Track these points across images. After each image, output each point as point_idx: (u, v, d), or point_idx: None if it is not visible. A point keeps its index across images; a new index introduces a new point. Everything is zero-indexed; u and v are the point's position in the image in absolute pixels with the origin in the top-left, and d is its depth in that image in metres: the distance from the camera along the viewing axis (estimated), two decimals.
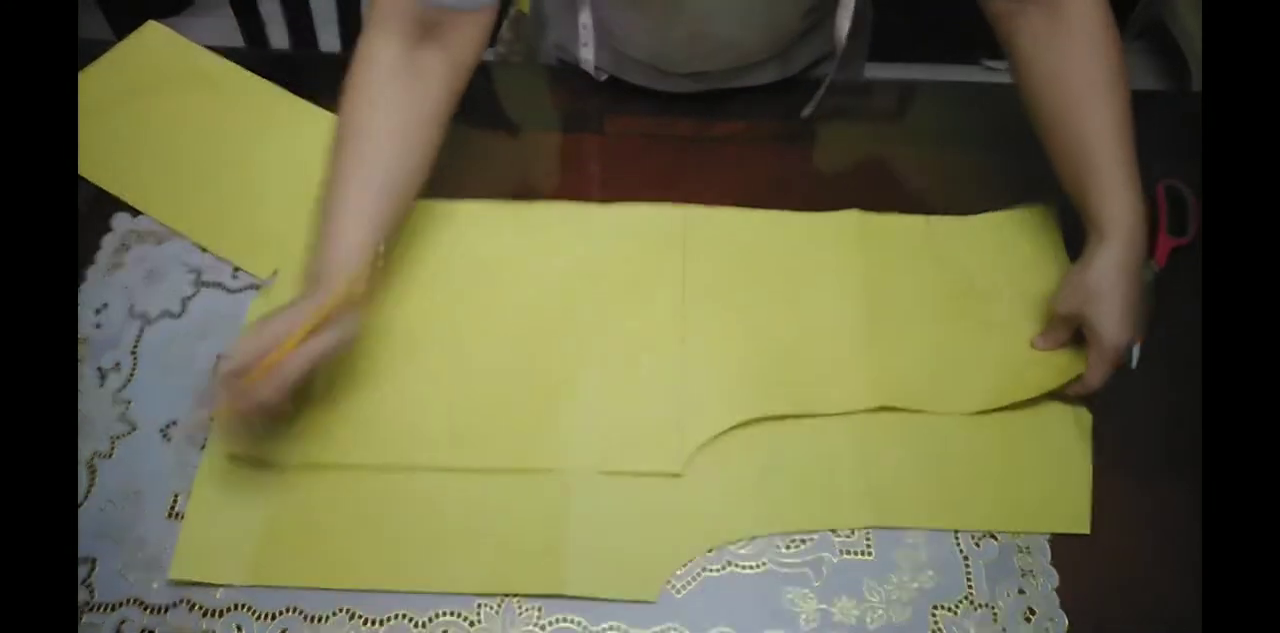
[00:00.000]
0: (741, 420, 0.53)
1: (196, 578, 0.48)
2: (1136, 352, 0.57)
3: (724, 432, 0.53)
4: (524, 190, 0.64)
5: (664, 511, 0.51)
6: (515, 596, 0.48)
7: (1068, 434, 0.54)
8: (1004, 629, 0.48)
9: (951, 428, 0.54)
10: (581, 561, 0.49)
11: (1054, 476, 0.52)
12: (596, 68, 0.71)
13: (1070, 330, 0.54)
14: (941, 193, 0.65)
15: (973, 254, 0.61)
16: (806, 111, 0.67)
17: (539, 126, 0.69)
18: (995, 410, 0.54)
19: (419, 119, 0.52)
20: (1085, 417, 0.54)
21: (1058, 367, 0.55)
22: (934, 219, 0.62)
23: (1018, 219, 0.62)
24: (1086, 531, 0.51)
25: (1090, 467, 0.53)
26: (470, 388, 0.55)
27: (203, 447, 0.52)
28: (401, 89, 0.51)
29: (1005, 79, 0.60)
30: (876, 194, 0.65)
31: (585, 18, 0.65)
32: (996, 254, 0.61)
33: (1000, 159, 0.67)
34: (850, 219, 0.62)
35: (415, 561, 0.49)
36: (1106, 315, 0.50)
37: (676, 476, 0.51)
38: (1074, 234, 0.59)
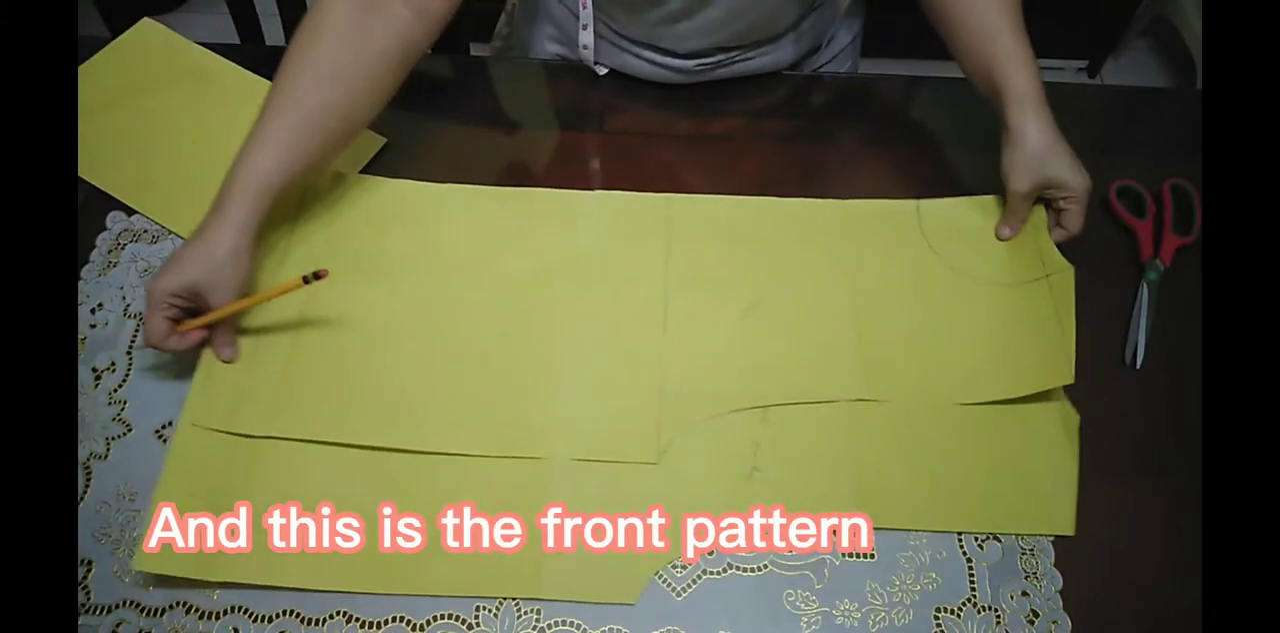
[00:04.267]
0: (720, 411, 0.53)
1: (158, 570, 0.47)
2: (1141, 352, 0.57)
3: (706, 429, 0.52)
4: (519, 188, 0.63)
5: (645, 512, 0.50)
6: (500, 598, 0.48)
7: (1055, 436, 0.53)
8: (1007, 632, 0.48)
9: (939, 429, 0.53)
10: (561, 562, 0.48)
11: (1041, 478, 0.52)
12: (596, 62, 0.70)
13: (1030, 205, 0.58)
14: (941, 188, 0.64)
15: (958, 234, 0.60)
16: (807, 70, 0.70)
17: (537, 124, 0.69)
18: (982, 409, 0.54)
19: (363, 61, 0.53)
20: (1073, 418, 0.54)
21: (1040, 367, 0.54)
22: (924, 202, 0.62)
23: (1001, 204, 0.61)
24: (1071, 532, 0.50)
25: (1076, 469, 0.52)
26: (452, 373, 0.54)
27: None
28: (350, 29, 0.52)
29: None
30: (876, 191, 0.64)
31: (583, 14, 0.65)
32: (980, 234, 0.60)
33: (999, 154, 0.66)
34: (836, 203, 0.62)
35: (392, 560, 0.48)
36: (1066, 168, 0.55)
37: (652, 464, 0.51)
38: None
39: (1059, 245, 0.58)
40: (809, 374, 0.54)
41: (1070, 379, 0.52)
